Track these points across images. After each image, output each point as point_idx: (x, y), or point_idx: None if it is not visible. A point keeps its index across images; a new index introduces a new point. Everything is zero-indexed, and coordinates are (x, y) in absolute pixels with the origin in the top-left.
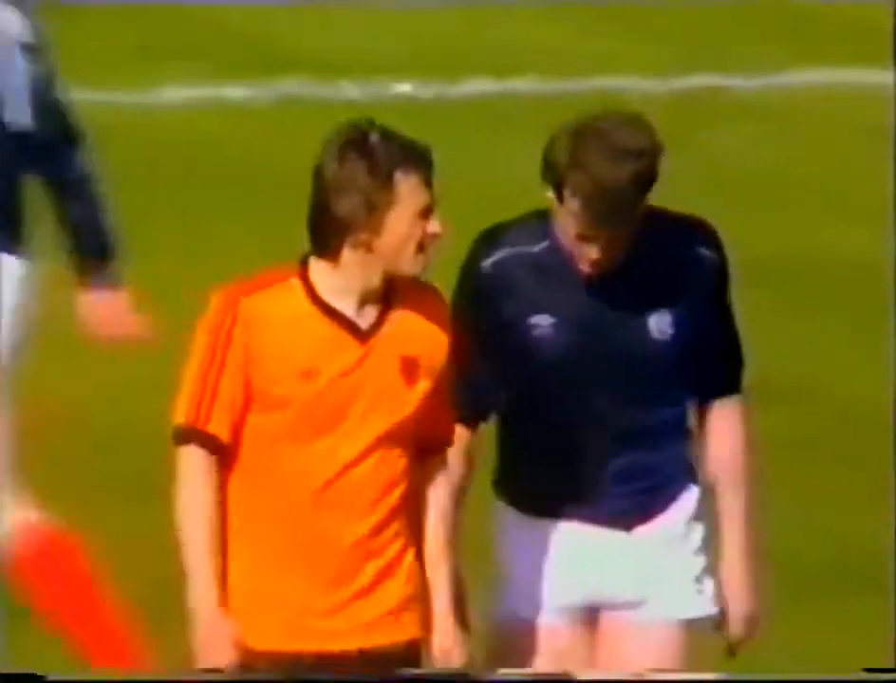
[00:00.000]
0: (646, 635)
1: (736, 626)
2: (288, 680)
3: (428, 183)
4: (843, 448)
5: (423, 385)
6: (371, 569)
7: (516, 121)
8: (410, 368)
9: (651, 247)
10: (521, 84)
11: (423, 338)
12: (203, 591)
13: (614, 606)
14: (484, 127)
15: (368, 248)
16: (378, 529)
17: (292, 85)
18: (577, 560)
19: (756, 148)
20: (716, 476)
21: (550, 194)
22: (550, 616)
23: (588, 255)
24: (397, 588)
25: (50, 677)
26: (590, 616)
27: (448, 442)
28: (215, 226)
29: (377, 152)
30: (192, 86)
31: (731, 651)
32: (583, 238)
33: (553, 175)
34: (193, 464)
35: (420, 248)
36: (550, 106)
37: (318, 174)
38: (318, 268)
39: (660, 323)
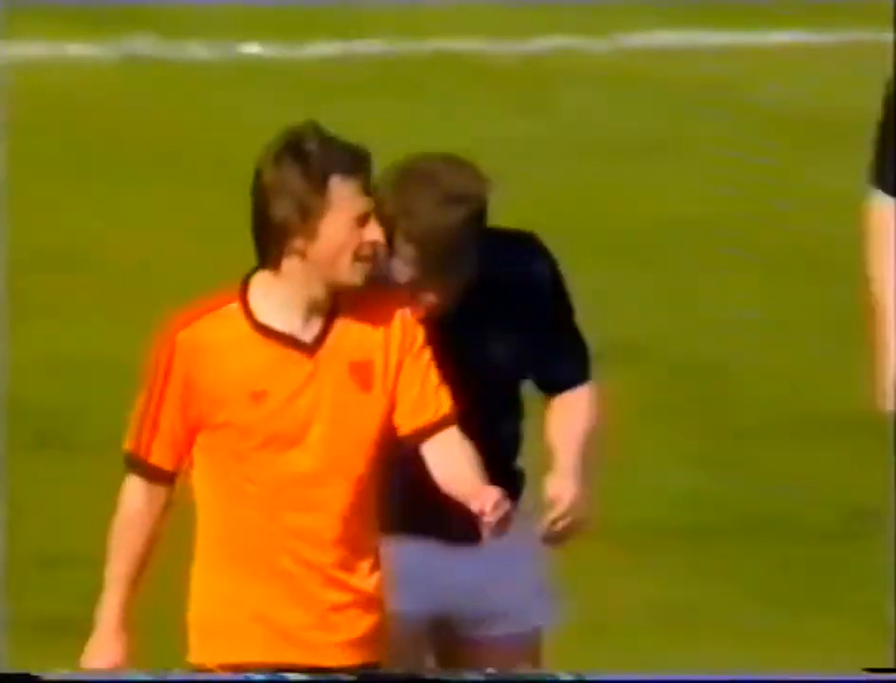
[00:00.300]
0: (500, 648)
1: (558, 510)
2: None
3: (366, 190)
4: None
5: (381, 388)
6: (339, 592)
7: (364, 83)
8: (363, 374)
9: (483, 272)
10: (369, 46)
11: (374, 340)
12: (110, 609)
13: (464, 621)
14: (331, 89)
15: (303, 255)
16: (349, 548)
17: (139, 45)
18: (423, 575)
19: (610, 110)
20: (560, 418)
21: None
22: (397, 630)
23: (426, 301)
24: (364, 610)
25: (45, 677)
26: (440, 631)
27: (450, 420)
28: (57, 183)
29: (312, 156)
30: (38, 43)
31: (548, 538)
32: (418, 285)
33: (383, 223)
34: (131, 491)
35: (357, 256)
36: (398, 68)
37: (257, 178)
38: (259, 286)
39: (504, 346)
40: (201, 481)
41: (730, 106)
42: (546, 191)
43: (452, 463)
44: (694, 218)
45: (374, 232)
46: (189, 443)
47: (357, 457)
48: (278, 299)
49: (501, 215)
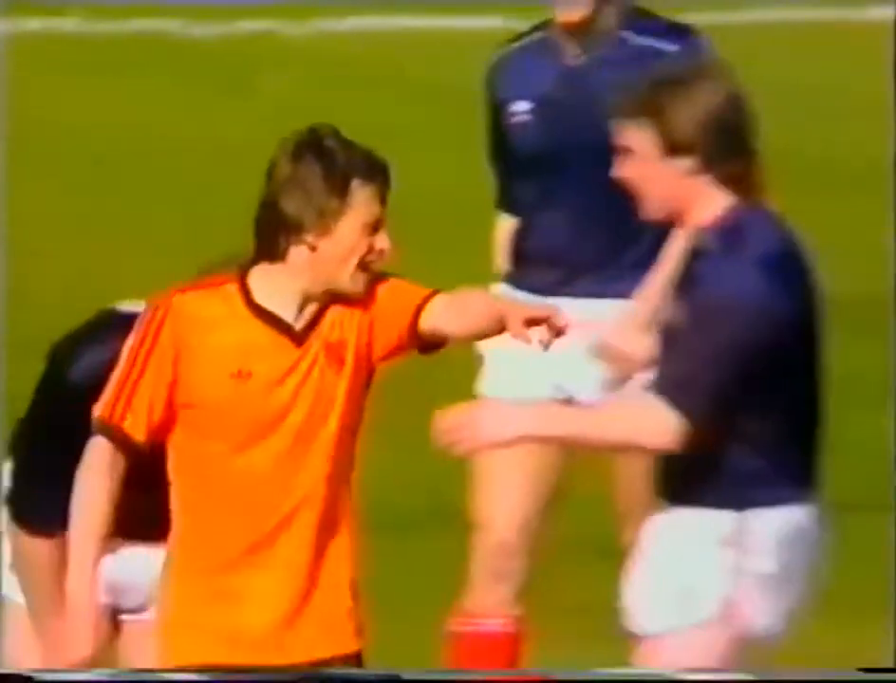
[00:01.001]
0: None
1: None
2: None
3: (382, 198)
4: None
5: (353, 363)
6: (316, 580)
7: (64, 61)
8: (337, 354)
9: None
10: (65, 24)
11: (356, 323)
12: (80, 578)
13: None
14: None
15: (313, 249)
16: (321, 536)
17: None
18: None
19: (309, 92)
20: None
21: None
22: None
23: None
24: (338, 600)
25: (38, 677)
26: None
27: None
28: None
29: (336, 156)
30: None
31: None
32: None
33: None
34: (99, 456)
35: (363, 262)
36: (99, 47)
37: (270, 172)
38: (259, 273)
39: None
40: (175, 473)
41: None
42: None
43: (463, 306)
44: None
45: (384, 241)
46: (164, 418)
47: (329, 446)
48: (276, 285)
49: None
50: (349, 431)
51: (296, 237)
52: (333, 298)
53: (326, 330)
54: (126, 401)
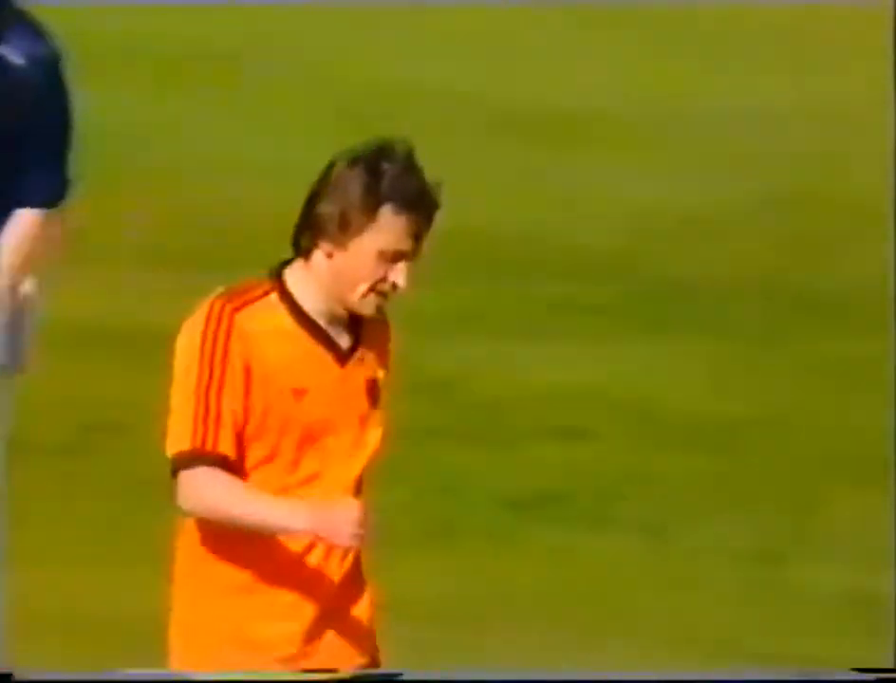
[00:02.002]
0: None
1: None
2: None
3: (417, 234)
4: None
5: (382, 404)
6: (339, 593)
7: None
8: (374, 391)
9: None
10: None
11: (380, 360)
12: (288, 510)
13: None
14: None
15: (330, 256)
16: (346, 556)
17: None
18: None
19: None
20: None
21: None
22: None
23: None
24: (361, 611)
25: (17, 676)
26: None
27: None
28: None
29: (382, 177)
30: None
31: None
32: None
33: None
34: (209, 475)
35: (374, 288)
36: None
37: (329, 166)
38: (294, 279)
39: None
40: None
41: None
42: None
43: None
44: None
45: (399, 275)
46: (244, 434)
47: (357, 470)
48: (313, 295)
49: None
50: (370, 459)
51: (319, 240)
52: (364, 319)
53: (364, 358)
54: (215, 425)
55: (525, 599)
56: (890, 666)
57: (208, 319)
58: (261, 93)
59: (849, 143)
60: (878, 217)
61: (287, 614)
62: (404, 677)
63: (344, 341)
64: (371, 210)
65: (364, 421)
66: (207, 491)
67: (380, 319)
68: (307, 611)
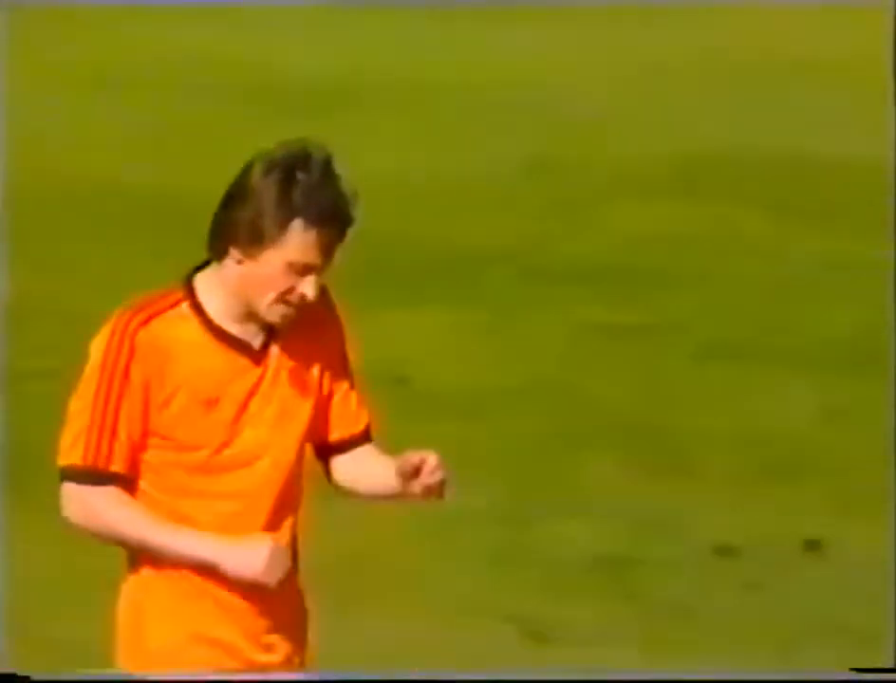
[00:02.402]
0: None
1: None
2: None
3: (327, 248)
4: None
5: (317, 395)
6: (284, 614)
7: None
8: (302, 381)
9: None
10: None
11: (312, 347)
12: (195, 539)
13: None
14: None
15: (240, 262)
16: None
17: None
18: None
19: None
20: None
21: None
22: None
23: None
24: (297, 629)
25: (34, 677)
26: None
27: (368, 436)
28: None
29: (295, 190)
30: None
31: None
32: None
33: None
34: (109, 494)
35: (281, 298)
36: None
37: (246, 169)
38: (205, 286)
39: None
40: (143, 493)
41: None
42: None
43: (379, 467)
44: None
45: (309, 287)
46: (141, 450)
47: (292, 464)
48: (223, 301)
49: None
50: (302, 451)
51: (230, 245)
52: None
53: (286, 350)
54: (109, 443)
55: None
56: (890, 666)
57: (112, 333)
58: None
59: (600, 112)
60: (636, 180)
61: (241, 620)
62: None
63: (258, 340)
64: (282, 223)
65: (290, 413)
66: (105, 511)
67: (317, 303)
68: (251, 612)
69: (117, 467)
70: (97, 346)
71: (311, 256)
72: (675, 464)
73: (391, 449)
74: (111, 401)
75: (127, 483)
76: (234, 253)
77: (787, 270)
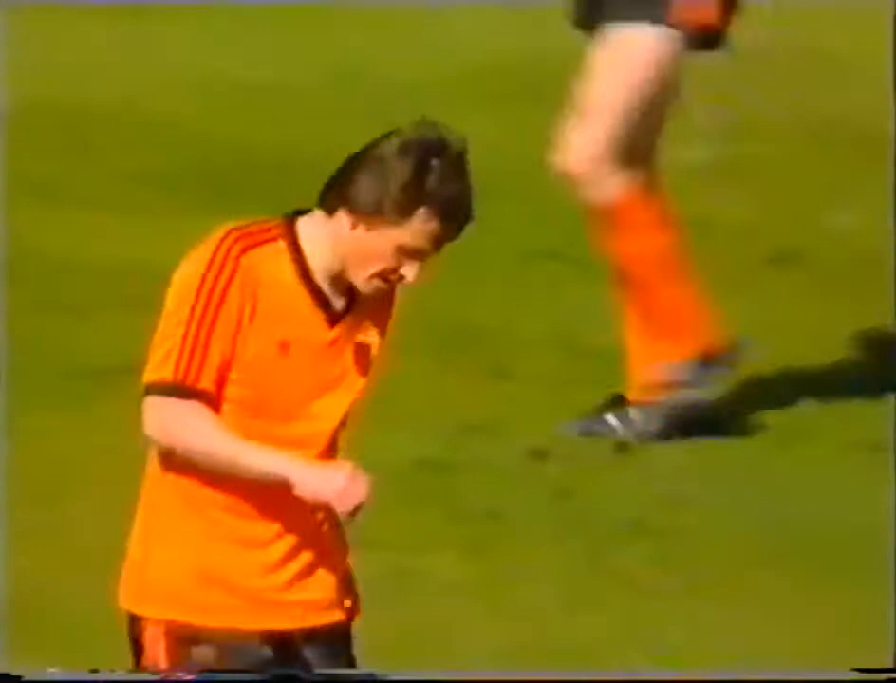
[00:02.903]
0: None
1: None
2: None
3: (441, 240)
4: None
5: (368, 375)
6: (315, 549)
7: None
8: (362, 357)
9: None
10: None
11: (377, 328)
12: (274, 457)
13: None
14: None
15: (353, 227)
16: (317, 512)
17: None
18: None
19: None
20: None
21: None
22: None
23: None
24: (336, 567)
25: (26, 677)
26: None
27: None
28: None
29: (428, 178)
30: None
31: None
32: None
33: None
34: (192, 408)
35: (381, 274)
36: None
37: (381, 141)
38: (307, 234)
39: None
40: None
41: None
42: None
43: None
44: None
45: (412, 271)
46: (226, 375)
47: (336, 430)
48: (323, 254)
49: None
50: (344, 424)
51: (347, 207)
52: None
53: (357, 323)
54: (199, 362)
55: (97, 466)
56: (890, 666)
57: (214, 254)
58: None
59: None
60: (451, 90)
61: (255, 543)
62: (381, 677)
63: (339, 302)
64: (407, 208)
65: (345, 385)
66: (185, 422)
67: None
68: (279, 544)
69: (205, 384)
70: (195, 265)
71: (426, 244)
72: (492, 367)
73: None
74: (206, 320)
75: (212, 401)
76: (346, 216)
77: None
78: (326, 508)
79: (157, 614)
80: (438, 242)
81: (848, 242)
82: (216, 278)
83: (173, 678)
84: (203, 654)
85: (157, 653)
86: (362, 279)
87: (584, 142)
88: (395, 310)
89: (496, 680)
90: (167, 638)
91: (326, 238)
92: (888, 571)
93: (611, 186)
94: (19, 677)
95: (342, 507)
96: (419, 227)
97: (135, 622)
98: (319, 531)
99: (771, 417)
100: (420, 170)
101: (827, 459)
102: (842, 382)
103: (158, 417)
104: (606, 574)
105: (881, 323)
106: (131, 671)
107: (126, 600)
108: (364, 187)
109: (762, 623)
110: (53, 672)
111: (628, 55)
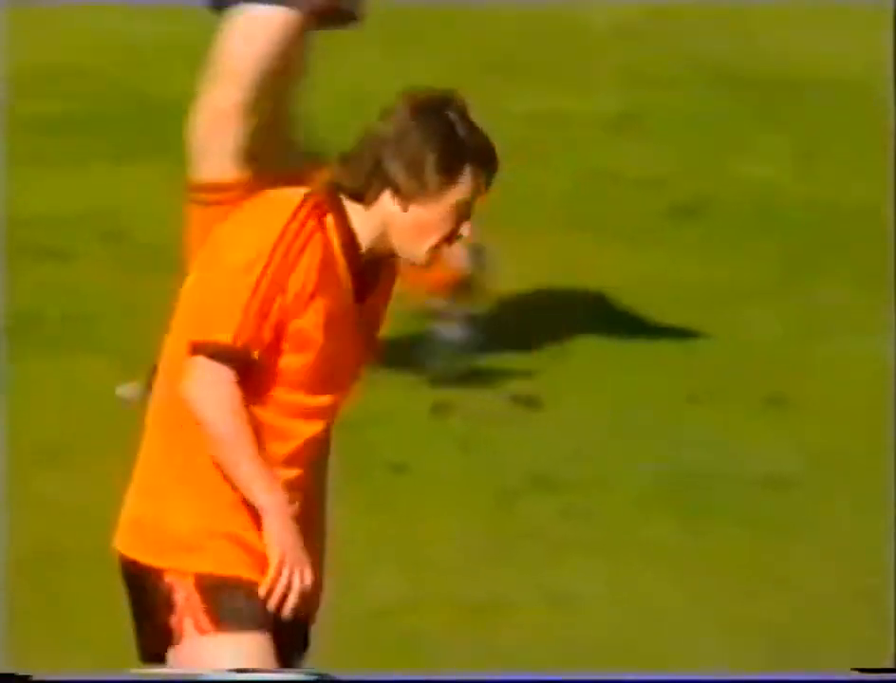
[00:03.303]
0: None
1: None
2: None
3: (486, 186)
4: None
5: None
6: (317, 516)
7: None
8: (372, 332)
9: None
10: None
11: (383, 301)
12: (271, 489)
13: None
14: None
15: (405, 210)
16: (322, 481)
17: None
18: None
19: None
20: None
21: None
22: None
23: None
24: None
25: (36, 677)
26: None
27: None
28: None
29: (458, 136)
30: None
31: None
32: None
33: None
34: (232, 384)
35: (443, 241)
36: None
37: (385, 118)
38: (356, 214)
39: None
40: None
41: None
42: None
43: None
44: None
45: (467, 228)
46: (280, 346)
47: (344, 399)
48: (369, 236)
49: None
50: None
51: (391, 191)
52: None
53: (374, 299)
54: (258, 329)
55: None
56: (890, 666)
57: (290, 221)
58: None
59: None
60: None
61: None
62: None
63: (366, 279)
64: (454, 169)
65: (361, 357)
66: (223, 401)
67: (393, 261)
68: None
69: (257, 354)
70: (269, 228)
71: (476, 195)
72: None
73: (118, 300)
74: (274, 288)
75: (260, 372)
76: (394, 200)
77: None
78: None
79: (185, 566)
80: (483, 191)
81: (753, 193)
82: (290, 245)
83: (176, 679)
84: (235, 604)
85: (190, 604)
86: (422, 252)
87: (209, 109)
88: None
89: (480, 680)
90: (198, 589)
91: (373, 220)
92: (790, 521)
93: (221, 162)
94: (28, 676)
95: (278, 576)
96: (468, 181)
97: (150, 575)
98: (312, 514)
99: (675, 370)
100: (447, 128)
101: (730, 413)
102: (745, 336)
103: (201, 381)
104: (512, 527)
105: (786, 274)
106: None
107: (144, 554)
108: (399, 167)
109: (665, 575)
110: (62, 672)
111: (255, 31)
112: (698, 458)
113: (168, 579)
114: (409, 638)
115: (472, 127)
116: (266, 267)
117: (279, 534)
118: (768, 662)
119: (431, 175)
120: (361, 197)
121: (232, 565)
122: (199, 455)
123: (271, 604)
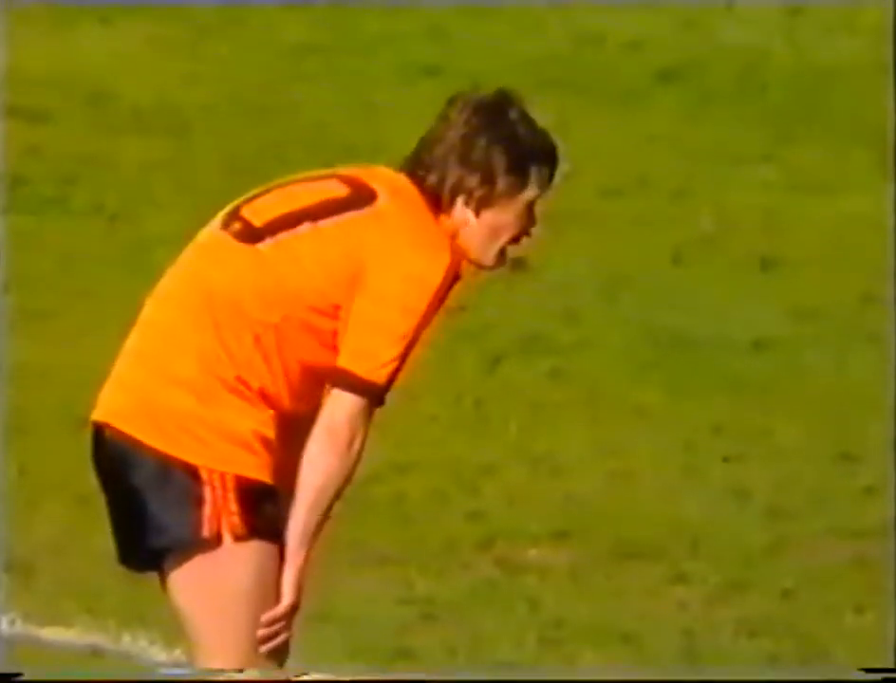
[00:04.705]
0: None
1: None
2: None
3: (550, 180)
4: None
5: None
6: None
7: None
8: None
9: None
10: None
11: None
12: (310, 544)
13: None
14: None
15: (477, 214)
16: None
17: None
18: None
19: None
20: None
21: None
22: None
23: None
24: None
25: (25, 676)
26: None
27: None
28: None
29: (520, 137)
30: None
31: None
32: None
33: None
34: (364, 425)
35: (512, 240)
36: None
37: (445, 119)
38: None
39: None
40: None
41: None
42: None
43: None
44: None
45: (534, 220)
46: None
47: None
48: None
49: None
50: None
51: (464, 198)
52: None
53: None
54: (400, 370)
55: None
56: (891, 666)
57: (451, 263)
58: None
59: None
60: None
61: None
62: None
63: None
64: (521, 169)
65: None
66: (353, 459)
67: None
68: None
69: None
70: (436, 268)
71: (543, 192)
72: None
73: (100, 161)
74: (427, 322)
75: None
76: (466, 208)
77: None
78: None
79: (224, 467)
80: (548, 186)
81: (737, 57)
82: (446, 287)
83: (181, 678)
84: (267, 512)
85: (226, 503)
86: (492, 255)
87: None
88: None
89: (499, 680)
90: (237, 491)
91: (448, 231)
92: (775, 382)
93: None
94: (19, 675)
95: (270, 618)
96: (535, 181)
97: (169, 464)
98: None
99: (664, 233)
100: (511, 130)
101: (720, 276)
102: (735, 196)
103: (352, 422)
104: (500, 388)
105: (777, 135)
106: (138, 671)
107: (186, 453)
108: (467, 173)
109: (651, 434)
110: (51, 670)
111: None
112: (688, 319)
113: (205, 477)
114: (396, 503)
115: (533, 126)
116: (430, 306)
117: (298, 580)
118: (753, 523)
119: (501, 180)
120: (439, 207)
121: (267, 472)
122: (254, 378)
123: (263, 634)
